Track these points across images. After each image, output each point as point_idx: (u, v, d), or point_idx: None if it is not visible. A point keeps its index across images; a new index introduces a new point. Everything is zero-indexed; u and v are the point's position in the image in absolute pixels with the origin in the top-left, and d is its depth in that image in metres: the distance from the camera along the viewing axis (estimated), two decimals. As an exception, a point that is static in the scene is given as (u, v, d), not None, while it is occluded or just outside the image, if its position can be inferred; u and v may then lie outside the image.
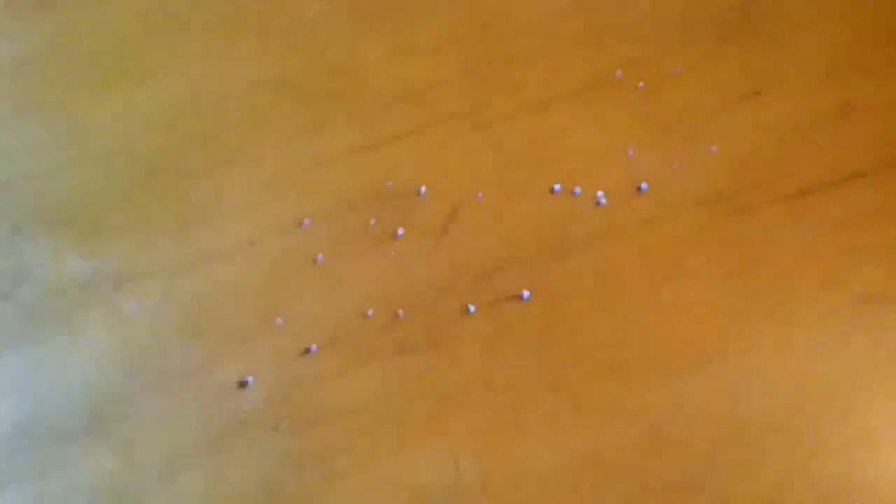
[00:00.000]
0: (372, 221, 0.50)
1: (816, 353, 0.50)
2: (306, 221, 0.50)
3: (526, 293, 0.51)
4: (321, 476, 0.47)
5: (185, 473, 0.46)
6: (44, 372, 0.46)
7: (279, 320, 0.49)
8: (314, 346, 0.49)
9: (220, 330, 0.48)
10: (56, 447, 0.46)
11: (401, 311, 0.50)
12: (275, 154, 0.50)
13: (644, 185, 0.53)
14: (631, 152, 0.53)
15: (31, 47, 0.49)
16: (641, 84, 0.54)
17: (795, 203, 0.53)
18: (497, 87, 0.53)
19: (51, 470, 0.45)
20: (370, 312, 0.50)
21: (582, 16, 0.54)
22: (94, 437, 0.46)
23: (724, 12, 0.55)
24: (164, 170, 0.49)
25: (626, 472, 0.48)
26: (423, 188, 0.51)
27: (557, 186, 0.52)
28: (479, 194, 0.52)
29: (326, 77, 0.51)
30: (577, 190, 0.52)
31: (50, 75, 0.50)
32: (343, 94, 0.51)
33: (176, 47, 0.51)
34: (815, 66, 0.54)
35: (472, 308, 0.50)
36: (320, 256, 0.50)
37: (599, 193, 0.52)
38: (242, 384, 0.48)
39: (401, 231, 0.51)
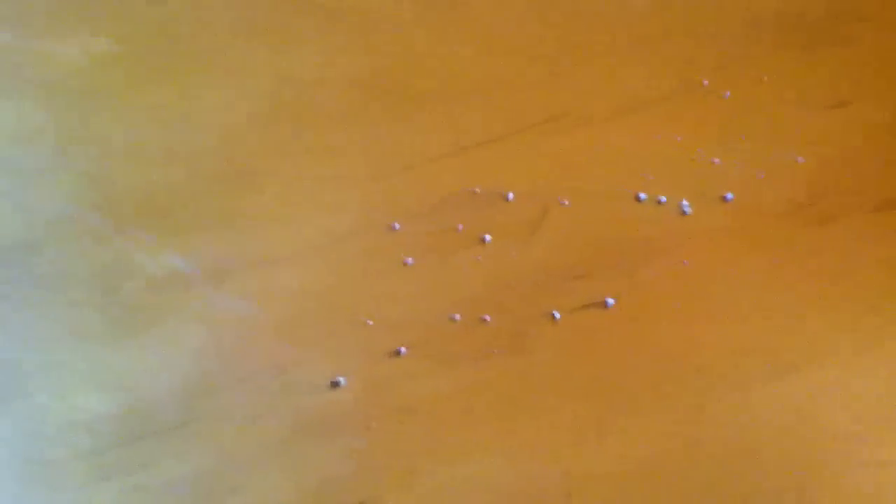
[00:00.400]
0: (460, 226, 0.51)
1: (902, 365, 0.51)
2: (396, 225, 0.51)
3: (610, 300, 0.51)
4: (409, 474, 0.48)
5: (277, 467, 0.48)
6: (144, 367, 0.48)
7: (369, 322, 0.50)
8: (403, 348, 0.50)
9: (312, 329, 0.49)
10: (156, 441, 0.47)
11: (487, 316, 0.51)
12: (366, 155, 0.51)
13: (729, 195, 0.53)
14: (717, 161, 0.53)
15: (128, 41, 0.50)
16: (728, 93, 0.54)
17: (882, 215, 0.53)
18: (585, 91, 0.53)
19: (151, 463, 0.47)
20: (457, 316, 0.50)
21: (670, 23, 0.54)
22: (192, 432, 0.47)
23: (813, 21, 0.54)
24: (261, 167, 0.50)
25: (705, 479, 0.49)
26: (511, 193, 0.52)
27: (643, 195, 0.53)
28: (566, 200, 0.52)
29: (417, 79, 0.52)
30: (663, 198, 0.53)
31: (147, 71, 0.51)
32: (434, 97, 0.52)
33: (270, 44, 0.51)
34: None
35: (557, 314, 0.51)
36: (409, 260, 0.51)
37: (684, 202, 0.53)
38: (335, 384, 0.49)
39: (488, 237, 0.51)
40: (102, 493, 0.46)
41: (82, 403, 0.47)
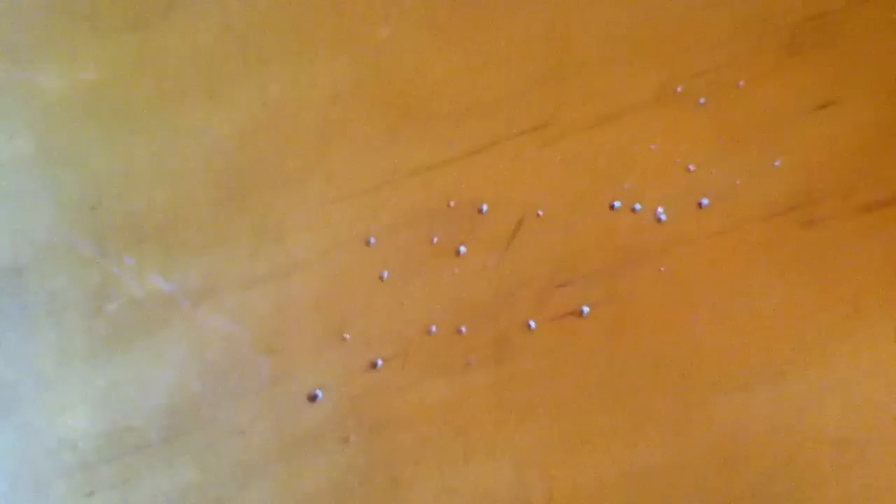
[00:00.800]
0: (435, 239, 0.52)
1: (887, 369, 0.50)
2: (373, 240, 0.52)
3: (586, 309, 0.51)
4: (389, 485, 0.49)
5: (260, 482, 0.49)
6: (128, 384, 0.49)
7: (346, 335, 0.51)
8: (380, 361, 0.50)
9: (291, 344, 0.50)
10: (139, 456, 0.48)
11: (464, 328, 0.51)
12: (344, 171, 0.52)
13: (705, 201, 0.53)
14: (693, 168, 0.53)
15: (112, 69, 0.52)
16: (703, 100, 0.54)
17: (864, 218, 0.52)
18: (560, 103, 0.53)
19: (134, 478, 0.48)
20: (434, 328, 0.51)
21: (645, 32, 0.54)
22: (175, 447, 0.48)
23: (794, 23, 0.54)
24: (240, 187, 0.51)
25: (691, 487, 0.49)
26: (486, 205, 0.52)
27: (618, 203, 0.53)
28: (541, 211, 0.52)
29: (397, 93, 0.53)
30: (638, 206, 0.53)
31: (131, 96, 0.52)
32: (413, 111, 0.53)
33: (251, 67, 0.53)
34: (885, 79, 0.53)
35: (533, 324, 0.51)
36: (386, 273, 0.51)
37: (660, 209, 0.53)
38: (312, 397, 0.50)
39: (463, 249, 0.52)
40: (90, 508, 0.48)
41: (68, 421, 0.48)
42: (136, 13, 0.53)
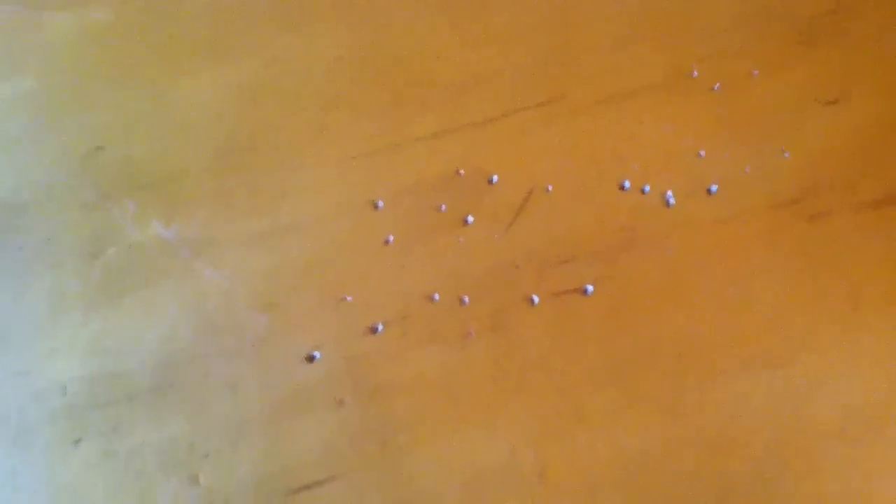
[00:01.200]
0: (443, 207, 0.51)
1: (882, 360, 0.50)
2: (380, 203, 0.51)
3: (590, 287, 0.51)
4: (380, 450, 0.48)
5: (249, 439, 0.48)
6: (121, 332, 0.48)
7: (348, 298, 0.50)
8: (380, 326, 0.50)
9: (290, 302, 0.49)
10: (128, 405, 0.47)
11: (466, 297, 0.51)
12: (351, 135, 0.52)
13: (714, 187, 0.53)
14: (703, 153, 0.53)
15: (123, 14, 0.51)
16: (717, 85, 0.54)
17: (867, 213, 0.52)
18: (572, 79, 0.53)
19: (122, 427, 0.47)
20: (436, 296, 0.51)
21: (662, 12, 0.54)
22: (165, 398, 0.48)
23: (805, 17, 0.54)
24: (245, 142, 0.51)
25: (684, 470, 0.49)
26: (496, 177, 0.52)
27: (627, 183, 0.53)
28: (550, 186, 0.52)
29: (405, 62, 0.52)
30: (647, 188, 0.53)
31: (140, 44, 0.51)
32: (421, 79, 0.52)
33: (262, 26, 0.52)
34: (894, 76, 0.53)
35: (536, 299, 0.51)
36: (391, 238, 0.51)
37: (669, 193, 0.53)
38: (310, 358, 0.49)
39: (471, 218, 0.52)
40: (73, 455, 0.47)
41: (59, 365, 0.47)
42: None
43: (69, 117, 0.50)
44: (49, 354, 0.47)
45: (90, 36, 0.51)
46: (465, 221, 0.52)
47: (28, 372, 0.47)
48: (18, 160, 0.49)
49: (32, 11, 0.50)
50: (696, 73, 0.54)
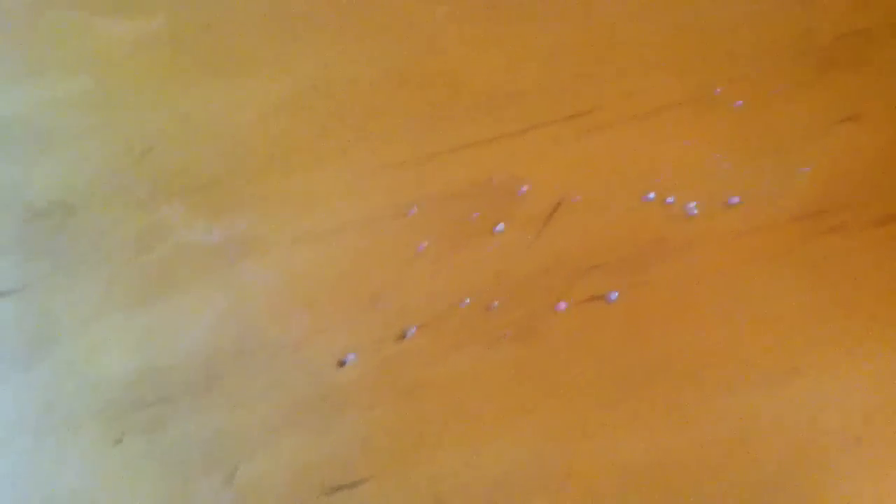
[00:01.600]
0: (475, 215, 0.53)
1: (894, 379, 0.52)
2: (413, 210, 0.53)
3: (614, 294, 0.53)
4: (413, 450, 0.50)
5: (287, 438, 0.49)
6: (166, 329, 0.50)
7: (380, 302, 0.52)
8: (412, 330, 0.51)
9: (327, 305, 0.51)
10: (171, 402, 0.49)
11: (495, 303, 0.52)
12: (389, 143, 0.53)
13: (735, 199, 0.54)
14: (725, 167, 0.55)
15: (178, 22, 0.53)
16: (740, 102, 0.56)
17: (885, 229, 0.54)
18: (601, 95, 0.55)
19: (165, 423, 0.48)
20: (466, 301, 0.52)
21: (690, 34, 0.56)
22: (207, 396, 0.49)
23: (827, 40, 0.56)
24: (291, 150, 0.52)
25: (697, 478, 0.50)
26: (525, 187, 0.54)
27: (652, 195, 0.54)
28: (577, 196, 0.54)
29: (444, 74, 0.54)
30: (671, 199, 0.54)
31: (194, 53, 0.53)
32: (459, 91, 0.54)
33: (307, 38, 0.54)
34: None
35: (562, 305, 0.53)
36: (423, 245, 0.53)
37: (691, 204, 0.54)
38: (342, 362, 0.51)
39: (501, 226, 0.53)
40: (115, 450, 0.48)
41: (104, 361, 0.49)
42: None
43: (121, 119, 0.51)
44: (96, 350, 0.49)
45: (143, 41, 0.53)
46: (496, 229, 0.53)
47: (74, 367, 0.49)
48: (72, 160, 0.51)
49: (88, 16, 0.52)
50: (718, 92, 0.55)
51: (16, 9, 0.52)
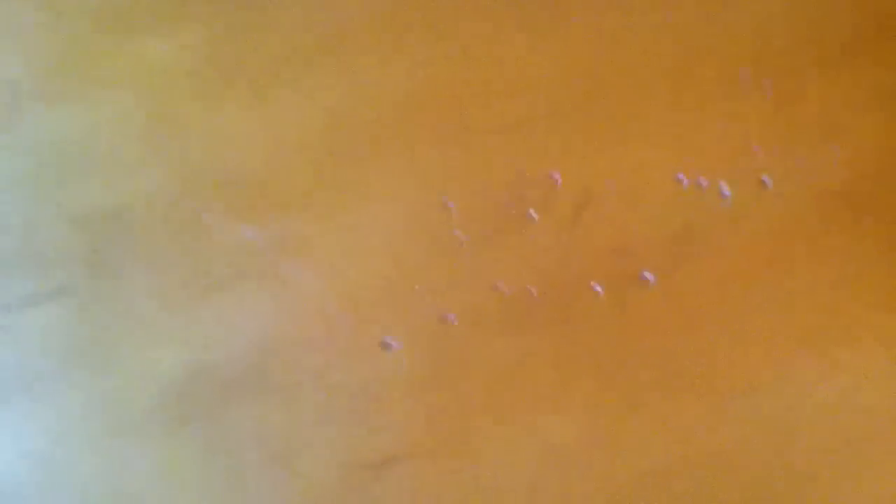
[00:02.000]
0: (510, 204, 0.55)
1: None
2: (452, 203, 0.55)
3: (650, 276, 0.54)
4: (458, 432, 0.52)
5: (337, 421, 0.52)
6: (218, 326, 0.52)
7: (422, 290, 0.54)
8: (452, 316, 0.53)
9: (370, 295, 0.53)
10: (225, 397, 0.51)
11: (533, 288, 0.54)
12: (424, 139, 0.55)
13: (767, 180, 0.55)
14: (756, 148, 0.56)
15: (218, 42, 0.55)
16: (770, 83, 0.56)
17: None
18: (631, 82, 0.56)
19: (221, 416, 0.51)
20: (504, 288, 0.54)
21: (720, 16, 0.57)
22: (258, 389, 0.52)
23: (857, 24, 0.57)
24: (330, 155, 0.54)
25: (750, 463, 0.51)
26: (559, 174, 0.55)
27: (685, 178, 0.55)
28: (610, 181, 0.55)
29: (474, 67, 0.56)
30: (704, 182, 0.55)
31: (233, 70, 0.55)
32: (488, 84, 0.56)
33: (348, 47, 0.56)
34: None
35: (598, 288, 0.54)
36: (461, 233, 0.54)
37: (724, 186, 0.55)
38: (386, 346, 0.53)
39: (535, 214, 0.55)
40: (174, 448, 0.51)
41: (159, 360, 0.51)
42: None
43: (165, 130, 0.54)
44: (149, 349, 0.52)
45: (184, 58, 0.55)
46: (531, 218, 0.55)
47: (129, 366, 0.51)
48: (118, 170, 0.53)
49: (132, 35, 0.55)
50: (747, 73, 0.56)
51: (61, 30, 0.55)
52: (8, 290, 0.52)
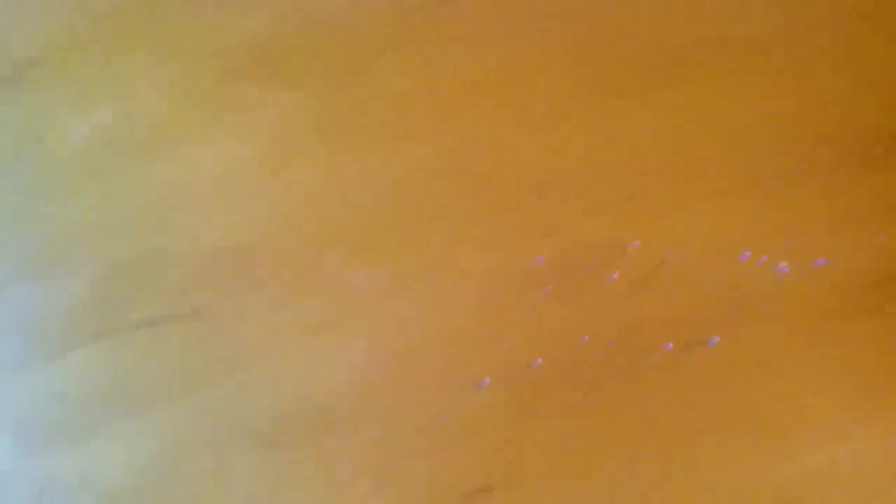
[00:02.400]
0: (592, 265, 0.61)
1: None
2: (539, 259, 0.61)
3: (714, 340, 0.61)
4: (537, 465, 0.58)
5: (430, 448, 0.57)
6: (316, 365, 0.59)
7: (511, 337, 0.60)
8: (538, 361, 0.60)
9: (464, 338, 0.60)
10: (325, 430, 0.57)
11: (612, 342, 0.60)
12: (510, 204, 0.62)
13: (822, 262, 0.62)
14: (812, 236, 0.63)
15: (320, 99, 0.63)
16: (823, 177, 0.64)
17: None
18: (703, 166, 0.64)
19: (322, 445, 0.57)
20: (585, 339, 0.60)
21: (778, 119, 0.64)
22: (358, 420, 0.58)
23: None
24: (427, 207, 0.61)
25: None
26: (636, 242, 0.62)
27: (746, 254, 0.63)
28: (679, 254, 0.62)
29: (555, 141, 0.63)
30: (763, 259, 0.63)
31: (334, 128, 0.62)
32: (581, 164, 0.63)
33: (425, 118, 0.63)
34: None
35: (668, 346, 0.61)
36: (547, 289, 0.61)
37: (782, 265, 0.62)
38: (479, 386, 0.59)
39: (615, 276, 0.62)
40: (276, 470, 0.57)
41: (268, 387, 0.58)
42: (357, 59, 0.64)
43: (285, 177, 0.61)
44: (262, 375, 0.58)
45: (290, 115, 0.62)
46: (610, 279, 0.62)
47: (246, 390, 0.57)
48: (245, 206, 0.60)
49: (257, 90, 0.62)
50: (801, 170, 0.64)
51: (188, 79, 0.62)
52: (138, 310, 0.58)
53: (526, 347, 0.60)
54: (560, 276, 0.61)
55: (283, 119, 0.62)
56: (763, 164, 0.64)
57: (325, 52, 0.63)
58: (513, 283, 0.61)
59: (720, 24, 0.65)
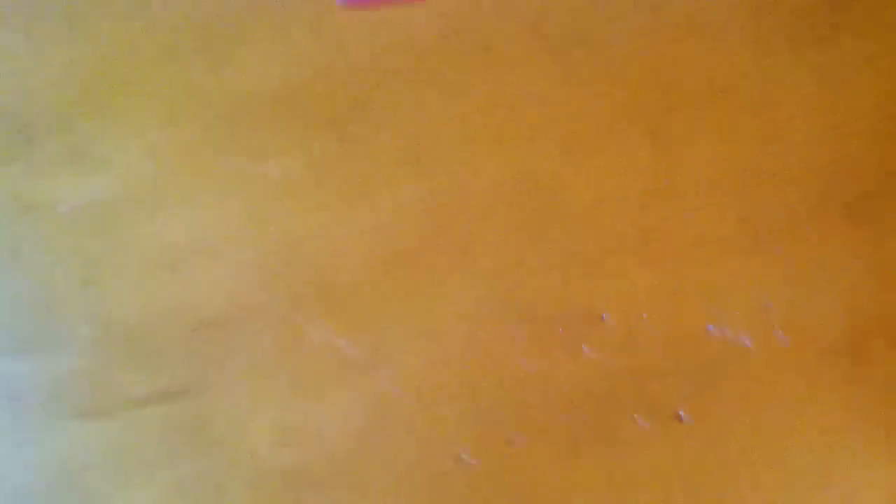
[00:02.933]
0: (562, 332, 0.62)
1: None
2: (513, 329, 0.62)
3: (685, 415, 0.62)
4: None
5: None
6: (309, 426, 0.58)
7: (490, 409, 0.60)
8: (518, 438, 0.60)
9: (445, 410, 0.59)
10: (313, 492, 0.55)
11: (583, 412, 0.61)
12: (492, 270, 0.62)
13: (780, 334, 0.65)
14: (771, 305, 0.66)
15: (315, 168, 0.62)
16: (780, 250, 0.67)
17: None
18: (660, 229, 0.65)
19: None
20: (562, 413, 0.61)
21: (740, 177, 0.67)
22: (344, 483, 0.57)
23: (855, 198, 0.68)
24: (411, 274, 0.61)
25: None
26: (606, 314, 0.63)
27: (711, 327, 0.64)
28: (650, 323, 0.64)
29: (532, 227, 0.64)
30: (727, 330, 0.65)
31: (327, 192, 0.61)
32: (557, 242, 0.64)
33: (430, 168, 0.63)
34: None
35: (640, 420, 0.61)
36: (524, 361, 0.61)
37: (744, 336, 0.65)
38: (459, 460, 0.58)
39: (586, 348, 0.62)
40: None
41: (260, 452, 0.55)
42: (336, 117, 0.63)
43: (268, 243, 0.59)
44: (252, 442, 0.56)
45: (290, 183, 0.61)
46: (582, 349, 0.62)
47: (227, 460, 0.55)
48: (225, 281, 0.58)
49: (248, 162, 0.60)
50: (763, 232, 0.67)
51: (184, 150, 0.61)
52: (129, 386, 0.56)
53: (504, 421, 0.60)
54: (534, 349, 0.62)
55: (270, 185, 0.61)
56: (723, 226, 0.67)
57: (312, 116, 0.62)
58: (488, 355, 0.61)
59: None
